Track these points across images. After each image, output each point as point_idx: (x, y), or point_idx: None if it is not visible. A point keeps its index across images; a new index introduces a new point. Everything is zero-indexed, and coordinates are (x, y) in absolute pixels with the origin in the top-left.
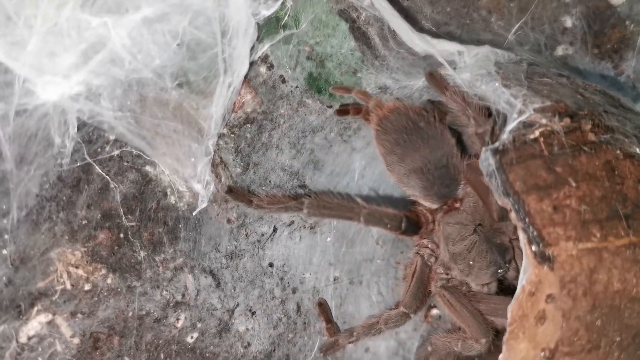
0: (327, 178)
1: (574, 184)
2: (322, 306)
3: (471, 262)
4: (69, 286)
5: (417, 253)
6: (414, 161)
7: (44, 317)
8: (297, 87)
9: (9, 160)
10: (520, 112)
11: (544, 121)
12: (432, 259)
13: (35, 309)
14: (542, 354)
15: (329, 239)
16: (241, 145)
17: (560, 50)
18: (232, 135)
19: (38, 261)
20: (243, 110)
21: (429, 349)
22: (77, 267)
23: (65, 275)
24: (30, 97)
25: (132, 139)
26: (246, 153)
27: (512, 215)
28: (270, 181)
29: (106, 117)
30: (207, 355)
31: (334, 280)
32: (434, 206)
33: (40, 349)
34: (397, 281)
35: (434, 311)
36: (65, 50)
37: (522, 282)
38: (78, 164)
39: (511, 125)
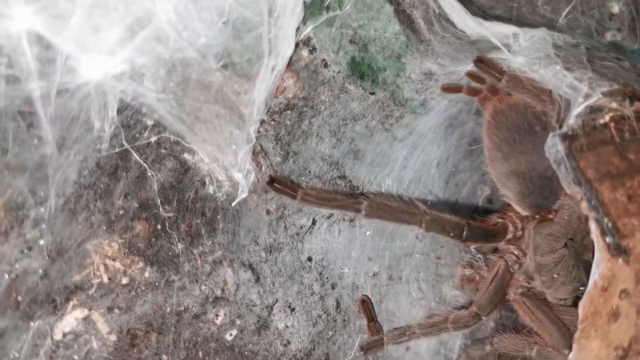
0: (367, 168)
1: None
2: (365, 304)
3: (555, 276)
4: (106, 280)
5: (502, 257)
6: (518, 164)
7: (79, 313)
8: (339, 72)
9: (51, 143)
10: (587, 96)
11: (613, 105)
12: (516, 266)
13: (71, 303)
14: (615, 353)
15: (368, 233)
16: (281, 133)
17: (608, 37)
18: (272, 122)
19: (74, 253)
20: (284, 96)
21: (488, 348)
22: (114, 260)
23: (102, 268)
24: (73, 75)
25: (173, 123)
26: (286, 141)
27: (584, 205)
28: (309, 171)
29: (149, 99)
30: (246, 353)
31: (373, 275)
32: (526, 213)
33: (75, 346)
34: (437, 277)
35: None
36: (111, 25)
37: (594, 277)
38: (116, 150)
39: (578, 110)
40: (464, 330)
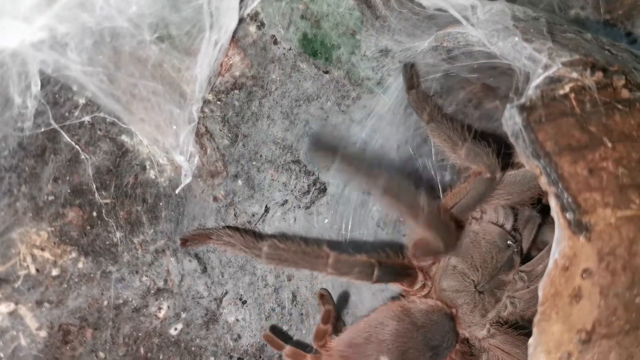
0: None
1: (609, 145)
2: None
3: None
4: (33, 271)
5: None
6: None
7: (5, 307)
8: (290, 49)
9: None
10: (547, 67)
11: (574, 75)
12: None
13: None
14: (578, 336)
15: (326, 221)
16: (229, 114)
17: (572, 14)
18: (219, 103)
19: None
20: (230, 74)
21: None
22: (42, 250)
23: (29, 259)
24: None
25: (105, 101)
26: (234, 123)
27: (542, 179)
28: (261, 155)
29: (74, 72)
30: (193, 349)
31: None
32: None
33: (1, 343)
34: None
35: None
36: None
37: (554, 256)
38: (42, 130)
39: (537, 81)
40: None
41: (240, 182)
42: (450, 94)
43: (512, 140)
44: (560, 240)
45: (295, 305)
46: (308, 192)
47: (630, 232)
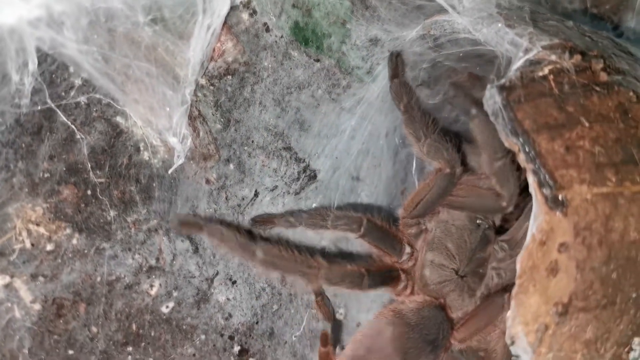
0: (314, 140)
1: (587, 124)
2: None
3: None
4: (28, 245)
5: None
6: None
7: (0, 279)
8: (282, 37)
9: None
10: (527, 50)
11: (553, 57)
12: None
13: None
14: (555, 309)
15: (314, 205)
16: (221, 99)
17: (559, 9)
18: (212, 88)
19: None
20: (223, 60)
21: None
22: (38, 225)
23: (24, 233)
24: None
25: (100, 81)
26: (227, 108)
27: (521, 156)
28: (252, 141)
29: (70, 50)
30: (184, 327)
31: (321, 250)
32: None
33: None
34: None
35: None
36: None
37: (532, 230)
38: (39, 108)
39: (517, 64)
40: None
41: (232, 166)
42: (438, 83)
43: (492, 119)
44: (538, 215)
45: (284, 286)
46: (298, 178)
47: (607, 209)
